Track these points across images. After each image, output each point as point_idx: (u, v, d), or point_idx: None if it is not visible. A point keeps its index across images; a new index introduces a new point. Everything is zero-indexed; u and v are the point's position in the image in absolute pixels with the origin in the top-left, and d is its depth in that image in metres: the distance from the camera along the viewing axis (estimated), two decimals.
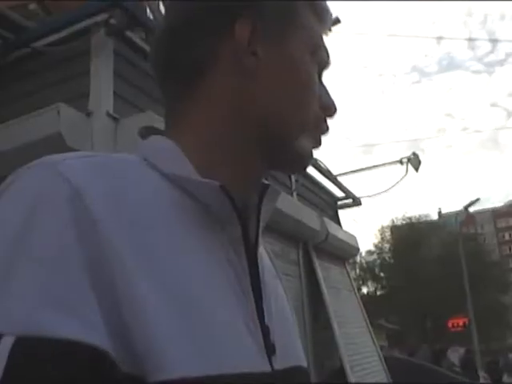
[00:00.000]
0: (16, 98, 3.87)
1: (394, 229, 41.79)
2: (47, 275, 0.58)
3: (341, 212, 8.41)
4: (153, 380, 0.58)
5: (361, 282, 39.31)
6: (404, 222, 41.15)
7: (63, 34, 3.62)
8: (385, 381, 7.38)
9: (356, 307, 7.79)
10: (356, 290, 8.13)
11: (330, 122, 0.87)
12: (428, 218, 42.42)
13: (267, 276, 0.83)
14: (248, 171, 0.81)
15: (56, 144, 3.11)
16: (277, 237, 5.93)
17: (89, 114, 3.32)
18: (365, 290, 40.01)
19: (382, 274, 39.67)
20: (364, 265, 39.66)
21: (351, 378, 6.09)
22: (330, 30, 0.91)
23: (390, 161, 7.38)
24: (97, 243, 0.61)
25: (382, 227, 41.07)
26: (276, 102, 0.79)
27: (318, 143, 0.86)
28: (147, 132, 0.83)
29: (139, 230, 0.65)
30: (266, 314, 0.76)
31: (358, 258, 41.38)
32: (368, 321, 7.85)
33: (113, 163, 0.72)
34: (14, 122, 3.48)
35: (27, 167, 0.67)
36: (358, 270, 39.43)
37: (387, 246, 40.42)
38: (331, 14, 0.90)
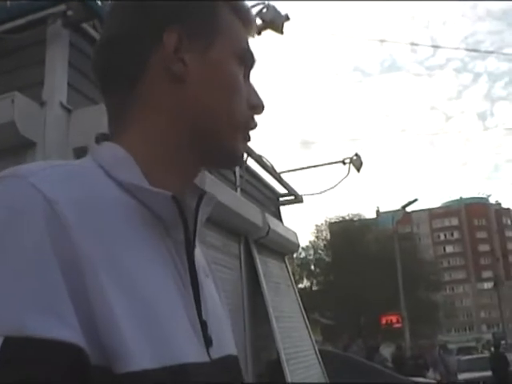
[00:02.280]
0: None
1: (331, 226, 42.29)
2: (29, 283, 0.64)
3: (282, 208, 8.54)
4: (118, 372, 0.66)
5: (297, 277, 39.71)
6: (340, 220, 41.72)
7: (20, 22, 3.59)
8: (319, 373, 7.56)
9: (294, 302, 7.93)
10: (294, 285, 8.28)
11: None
12: (364, 217, 43.08)
13: (202, 275, 0.90)
14: (187, 173, 0.89)
15: (9, 133, 3.11)
16: (219, 230, 6.00)
17: (42, 104, 3.33)
18: (301, 285, 40.43)
19: (317, 270, 40.11)
20: (300, 261, 40.01)
21: (286, 370, 6.24)
22: (256, 32, 0.99)
23: (332, 160, 7.53)
24: (70, 250, 0.67)
25: (318, 225, 41.57)
26: (205, 105, 0.86)
27: (246, 140, 0.93)
28: (102, 138, 0.88)
29: (105, 238, 0.72)
30: (202, 310, 0.84)
31: (294, 254, 41.88)
32: (305, 315, 8.02)
33: (78, 172, 0.78)
34: None
35: (2, 177, 0.72)
36: (294, 266, 39.82)
37: (323, 243, 40.90)
38: (254, 17, 0.98)
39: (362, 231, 39.87)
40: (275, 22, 3.89)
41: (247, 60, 0.92)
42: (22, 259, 0.65)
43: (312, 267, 40.43)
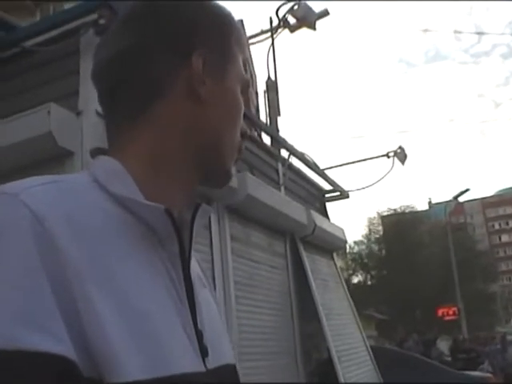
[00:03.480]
0: (6, 96, 3.92)
1: (384, 219, 41.94)
2: (18, 297, 0.65)
3: (329, 205, 8.48)
4: (110, 381, 0.66)
5: (351, 272, 39.51)
6: (392, 212, 41.29)
7: (53, 33, 3.67)
8: (371, 370, 7.49)
9: (343, 299, 7.88)
10: (343, 282, 8.22)
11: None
12: (416, 209, 42.54)
13: (198, 286, 0.91)
14: (185, 188, 0.90)
15: (47, 144, 3.16)
16: (263, 230, 6.01)
17: (78, 114, 3.37)
18: (355, 280, 40.22)
19: (370, 264, 39.82)
20: (353, 255, 39.79)
21: (338, 369, 6.20)
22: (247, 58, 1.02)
23: (376, 154, 7.46)
24: (58, 265, 0.68)
25: (371, 218, 41.23)
26: (215, 127, 0.90)
27: (235, 161, 0.98)
28: (97, 152, 0.89)
29: (95, 251, 0.72)
30: (198, 320, 0.85)
31: (347, 249, 41.64)
32: (355, 312, 7.95)
33: (70, 188, 0.79)
34: (4, 121, 3.52)
35: None
36: (348, 261, 39.60)
37: (376, 236, 40.56)
38: (247, 48, 1.03)
39: (414, 223, 39.40)
40: (307, 19, 3.86)
41: (247, 91, 0.98)
42: (12, 275, 0.66)
43: (365, 261, 40.14)
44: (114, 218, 0.79)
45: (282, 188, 6.80)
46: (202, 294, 0.94)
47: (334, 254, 8.23)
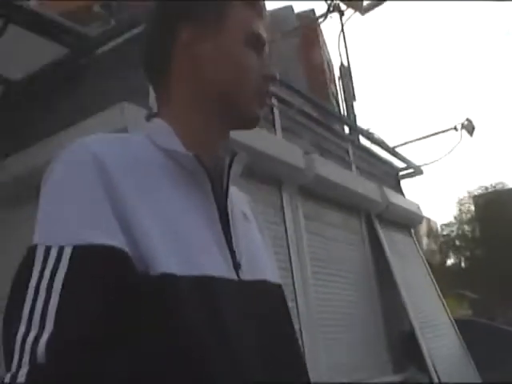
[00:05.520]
0: (83, 99, 4.30)
1: (476, 198, 40.63)
2: (86, 209, 0.89)
3: (405, 182, 8.54)
4: (154, 273, 0.89)
5: (443, 255, 38.65)
6: (483, 190, 39.96)
7: (127, 36, 4.00)
8: (456, 343, 7.54)
9: (423, 273, 7.96)
10: (423, 257, 8.28)
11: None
12: (508, 186, 40.90)
13: (238, 218, 1.14)
14: (215, 135, 1.12)
15: None
16: (336, 208, 6.22)
17: (150, 110, 3.66)
18: (449, 262, 39.31)
19: (463, 245, 38.74)
20: (445, 237, 38.86)
21: (421, 340, 6.32)
22: (263, 14, 1.17)
23: (443, 128, 7.48)
24: (115, 190, 0.92)
25: (460, 198, 40.08)
26: (219, 80, 1.09)
27: (262, 104, 1.14)
28: (150, 115, 1.14)
29: (142, 180, 0.97)
30: (233, 240, 1.07)
31: (439, 231, 40.78)
32: (436, 285, 8.00)
33: (125, 139, 1.06)
34: (81, 122, 3.90)
35: (67, 147, 0.99)
36: (440, 243, 38.78)
37: (468, 216, 39.39)
38: (262, 2, 1.17)
39: (508, 200, 37.97)
40: (355, 2, 4.03)
41: (256, 40, 1.12)
42: (84, 194, 0.91)
43: (457, 243, 39.10)
44: (159, 161, 1.03)
45: (354, 167, 6.97)
46: (242, 224, 1.15)
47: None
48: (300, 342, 4.81)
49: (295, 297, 4.97)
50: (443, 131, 7.56)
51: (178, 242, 0.95)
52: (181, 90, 1.11)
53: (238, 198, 1.25)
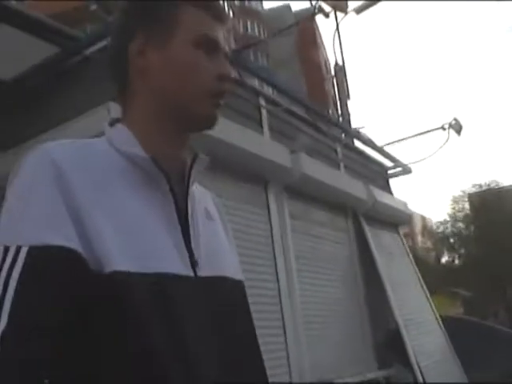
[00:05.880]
0: (71, 100, 4.38)
1: (471, 197, 40.66)
2: (41, 212, 0.97)
3: (398, 181, 8.62)
4: (107, 271, 0.96)
5: (438, 252, 38.78)
6: (477, 189, 39.99)
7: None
8: (442, 339, 7.63)
9: (410, 270, 8.04)
10: (410, 255, 8.37)
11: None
12: (502, 184, 40.89)
13: (200, 216, 1.20)
14: (173, 138, 1.18)
15: None
16: (323, 207, 6.30)
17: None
18: (443, 260, 39.46)
19: (458, 244, 38.83)
20: (439, 235, 38.96)
21: (405, 337, 6.41)
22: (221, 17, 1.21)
23: (431, 128, 7.56)
24: (69, 193, 0.99)
25: (455, 196, 40.10)
26: (169, 85, 1.14)
27: (216, 104, 1.17)
28: (113, 121, 1.20)
29: (97, 185, 1.03)
30: (192, 238, 1.13)
31: (433, 228, 40.90)
32: (423, 283, 8.09)
33: (86, 144, 1.12)
34: (68, 123, 3.98)
35: (32, 151, 1.06)
36: (435, 241, 38.92)
37: (461, 214, 39.45)
38: (215, 4, 1.21)
39: (502, 199, 38.00)
40: (338, 3, 4.14)
41: (207, 41, 1.16)
42: (41, 200, 0.98)
43: (451, 240, 39.19)
44: (118, 165, 1.10)
45: (342, 166, 7.05)
46: (204, 223, 1.21)
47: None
48: (283, 339, 4.90)
49: (279, 294, 5.05)
50: (431, 130, 7.64)
51: (132, 240, 1.02)
52: (137, 97, 1.18)
53: (202, 196, 1.31)
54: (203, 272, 1.12)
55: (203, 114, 1.17)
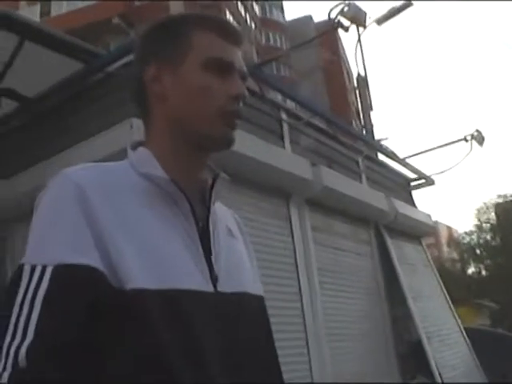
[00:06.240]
0: (94, 116, 4.47)
1: (497, 207, 40.27)
2: (67, 235, 1.03)
3: (422, 193, 8.62)
4: (126, 288, 1.01)
5: (465, 264, 38.40)
6: (504, 199, 39.58)
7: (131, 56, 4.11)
8: (465, 351, 7.59)
9: (433, 282, 8.02)
10: (433, 266, 8.35)
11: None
12: None
13: (222, 234, 1.24)
14: (192, 160, 1.22)
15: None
16: (345, 219, 6.33)
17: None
18: (470, 271, 39.05)
19: (484, 254, 38.42)
20: (465, 246, 38.59)
21: (428, 349, 6.40)
22: (233, 40, 1.24)
23: (454, 139, 7.57)
24: (92, 216, 1.05)
25: (480, 207, 39.73)
26: (184, 109, 1.19)
27: (230, 125, 1.20)
28: (136, 144, 1.26)
29: (119, 206, 1.09)
30: (213, 255, 1.17)
31: (459, 239, 40.50)
32: (447, 295, 8.07)
33: (108, 167, 1.19)
34: (92, 138, 4.06)
35: (56, 176, 1.13)
36: (461, 252, 38.55)
37: (488, 225, 39.06)
38: (228, 26, 1.25)
39: None
40: (357, 17, 4.21)
41: (218, 63, 1.19)
42: (65, 223, 1.05)
43: (478, 251, 38.80)
44: (140, 186, 1.15)
45: (364, 179, 7.08)
46: (226, 240, 1.25)
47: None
48: (306, 350, 4.93)
49: (302, 307, 5.08)
50: (453, 142, 7.65)
51: (152, 258, 1.07)
52: (156, 121, 1.23)
53: (224, 214, 1.35)
54: (224, 288, 1.16)
55: (218, 136, 1.20)
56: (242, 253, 1.33)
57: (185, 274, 1.11)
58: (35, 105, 4.74)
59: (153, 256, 1.08)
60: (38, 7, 30.21)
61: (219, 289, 1.15)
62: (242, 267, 1.28)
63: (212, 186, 1.24)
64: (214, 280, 1.15)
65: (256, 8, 43.79)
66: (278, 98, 6.38)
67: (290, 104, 6.50)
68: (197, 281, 1.12)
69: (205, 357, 1.07)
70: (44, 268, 1.01)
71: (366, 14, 4.26)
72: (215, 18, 1.26)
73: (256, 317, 1.26)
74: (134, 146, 1.26)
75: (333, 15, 4.24)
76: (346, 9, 4.20)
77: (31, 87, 4.68)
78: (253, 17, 41.86)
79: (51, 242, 1.04)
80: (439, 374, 6.24)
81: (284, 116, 5.78)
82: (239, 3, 38.08)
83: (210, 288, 1.13)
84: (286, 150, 5.62)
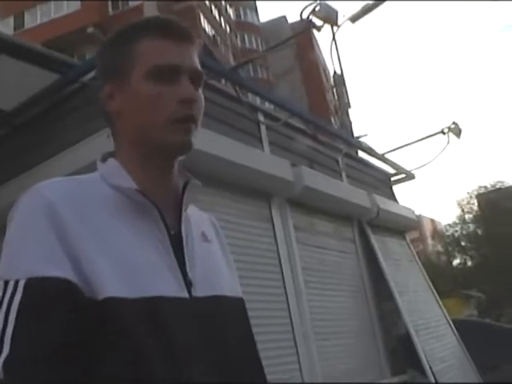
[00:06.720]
0: (73, 126, 4.46)
1: (479, 197, 40.55)
2: (38, 249, 1.04)
3: (399, 188, 8.67)
4: (100, 298, 1.02)
5: (450, 256, 38.65)
6: (484, 190, 39.88)
7: None
8: (454, 343, 7.64)
9: (419, 276, 8.06)
10: (418, 260, 8.39)
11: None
12: (508, 184, 40.68)
13: (196, 238, 1.26)
14: (157, 168, 1.23)
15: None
16: (327, 218, 6.34)
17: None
18: (455, 263, 39.31)
19: (468, 245, 38.67)
20: (448, 238, 38.85)
21: (417, 342, 6.43)
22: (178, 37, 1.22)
23: (432, 133, 7.62)
24: (62, 229, 1.06)
25: (462, 199, 40.03)
26: (137, 121, 1.20)
27: (183, 128, 1.19)
28: (107, 155, 1.27)
29: (89, 218, 1.10)
30: (187, 261, 1.18)
31: (443, 231, 40.78)
32: (433, 288, 8.12)
33: (78, 180, 1.20)
34: (70, 149, 4.05)
35: (26, 191, 1.13)
36: (445, 244, 38.81)
37: (470, 216, 39.32)
38: (173, 26, 1.23)
39: (510, 199, 37.79)
40: (329, 17, 4.23)
41: (160, 70, 1.18)
42: (36, 237, 1.06)
43: (462, 243, 39.05)
44: (112, 199, 1.16)
45: (344, 176, 7.11)
46: (200, 245, 1.26)
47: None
48: (294, 350, 4.93)
49: (288, 307, 5.09)
50: (431, 135, 7.70)
51: (125, 268, 1.08)
52: (119, 135, 1.26)
53: (199, 218, 1.36)
54: (199, 292, 1.17)
55: (173, 141, 1.19)
56: (218, 256, 1.34)
57: (158, 281, 1.11)
58: (13, 118, 4.71)
59: (126, 265, 1.08)
60: (11, 19, 30.11)
61: (194, 294, 1.15)
62: (218, 271, 1.29)
63: (183, 192, 1.25)
64: (188, 285, 1.15)
65: (230, 11, 43.89)
66: (256, 99, 6.39)
67: (267, 106, 6.51)
68: (171, 287, 1.12)
69: (184, 357, 1.07)
70: (17, 282, 1.01)
71: (337, 12, 4.28)
72: (160, 20, 1.25)
73: (234, 317, 1.27)
74: (105, 158, 1.27)
75: (305, 15, 4.26)
76: (317, 8, 4.23)
77: (8, 100, 4.67)
78: (227, 20, 41.92)
79: (22, 257, 1.05)
80: (429, 366, 6.27)
81: (261, 118, 5.79)
82: (213, 7, 38.08)
83: (185, 294, 1.14)
84: (264, 151, 5.63)
